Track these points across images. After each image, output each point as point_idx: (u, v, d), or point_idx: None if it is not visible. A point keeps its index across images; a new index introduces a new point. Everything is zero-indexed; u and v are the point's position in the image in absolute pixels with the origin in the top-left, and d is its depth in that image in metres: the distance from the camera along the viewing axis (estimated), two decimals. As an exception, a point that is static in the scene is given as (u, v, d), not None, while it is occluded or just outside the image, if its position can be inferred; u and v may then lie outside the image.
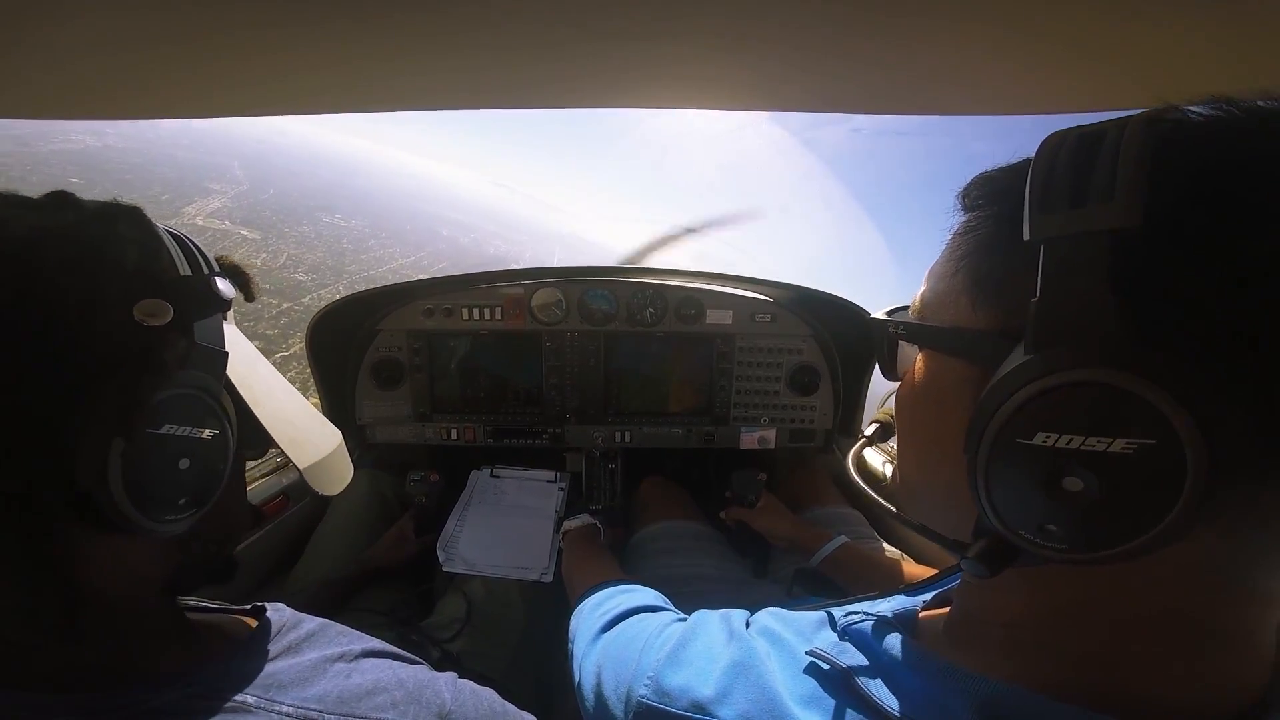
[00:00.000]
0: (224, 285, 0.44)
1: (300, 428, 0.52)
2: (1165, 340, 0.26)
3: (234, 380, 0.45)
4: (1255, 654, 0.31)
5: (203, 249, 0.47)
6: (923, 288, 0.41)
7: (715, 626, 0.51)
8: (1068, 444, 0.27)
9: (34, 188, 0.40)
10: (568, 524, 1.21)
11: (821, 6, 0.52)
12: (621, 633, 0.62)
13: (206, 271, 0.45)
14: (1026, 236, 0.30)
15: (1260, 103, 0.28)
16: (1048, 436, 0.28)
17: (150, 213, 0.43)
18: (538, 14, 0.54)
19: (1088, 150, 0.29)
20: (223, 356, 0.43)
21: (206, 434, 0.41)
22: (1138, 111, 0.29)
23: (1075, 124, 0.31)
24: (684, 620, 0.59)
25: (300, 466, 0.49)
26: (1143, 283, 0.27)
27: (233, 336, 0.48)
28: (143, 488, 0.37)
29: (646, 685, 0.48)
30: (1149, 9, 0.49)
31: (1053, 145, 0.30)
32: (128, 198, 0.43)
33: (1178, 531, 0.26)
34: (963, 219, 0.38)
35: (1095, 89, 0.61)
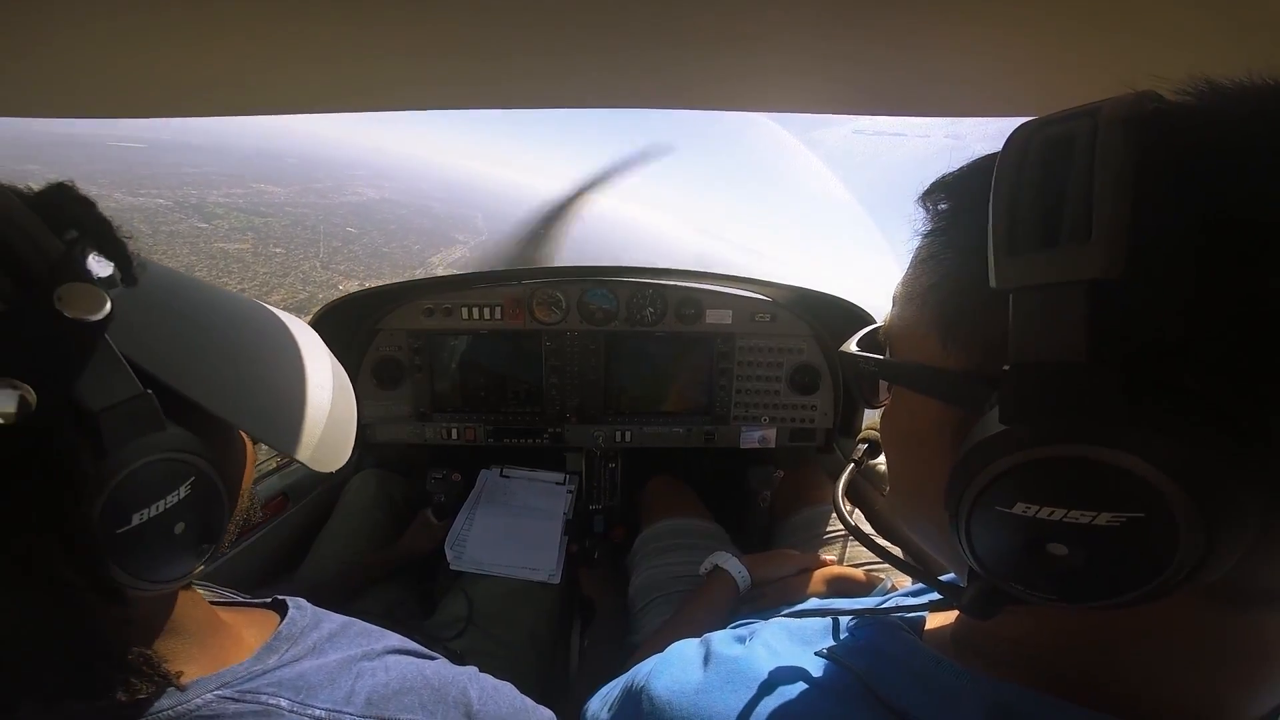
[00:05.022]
0: (92, 286, 0.30)
1: (283, 406, 0.45)
2: (1154, 407, 0.23)
3: (178, 383, 0.37)
4: (1267, 664, 0.30)
5: (37, 229, 0.29)
6: (891, 311, 0.38)
7: (693, 651, 0.50)
8: (1049, 515, 0.25)
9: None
10: (723, 564, 0.96)
11: (821, 6, 0.52)
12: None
13: (53, 283, 0.29)
14: (992, 284, 0.26)
15: (1254, 81, 0.23)
16: (1028, 507, 0.25)
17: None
18: (538, 12, 0.54)
19: (1056, 163, 0.24)
20: (145, 401, 0.34)
21: (183, 491, 0.36)
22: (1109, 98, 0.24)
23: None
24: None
25: (301, 459, 0.44)
26: (1127, 340, 0.23)
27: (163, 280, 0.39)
28: (152, 565, 0.36)
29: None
30: (1152, 9, 0.48)
31: (1015, 154, 0.26)
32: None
33: (1175, 585, 0.24)
34: (925, 236, 0.34)
35: (1099, 89, 0.61)
